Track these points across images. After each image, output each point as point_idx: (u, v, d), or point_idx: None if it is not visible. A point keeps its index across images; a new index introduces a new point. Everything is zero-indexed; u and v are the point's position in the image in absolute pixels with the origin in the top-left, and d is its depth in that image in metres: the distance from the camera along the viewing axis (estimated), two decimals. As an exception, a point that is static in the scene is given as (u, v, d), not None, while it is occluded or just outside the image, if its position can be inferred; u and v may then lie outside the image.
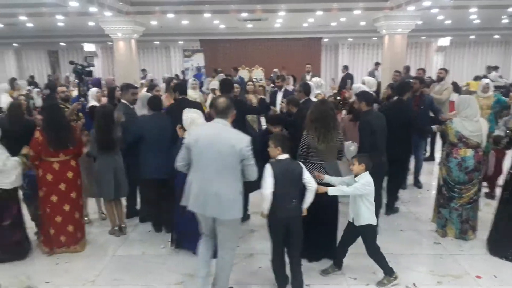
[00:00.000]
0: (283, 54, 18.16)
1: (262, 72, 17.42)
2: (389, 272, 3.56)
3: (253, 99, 7.01)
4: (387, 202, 5.13)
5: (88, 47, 19.24)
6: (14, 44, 19.45)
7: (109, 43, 16.99)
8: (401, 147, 4.82)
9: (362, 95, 4.50)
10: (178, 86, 5.30)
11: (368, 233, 3.54)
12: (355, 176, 3.50)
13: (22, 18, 11.93)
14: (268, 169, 3.18)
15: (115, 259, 4.14)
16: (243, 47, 18.49)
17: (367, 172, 3.47)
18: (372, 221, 3.51)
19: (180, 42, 19.42)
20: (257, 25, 15.88)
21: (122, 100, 5.08)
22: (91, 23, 13.56)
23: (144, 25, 13.00)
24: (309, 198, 3.30)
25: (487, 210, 4.88)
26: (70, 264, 4.03)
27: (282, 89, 6.89)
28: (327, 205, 3.74)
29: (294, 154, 3.77)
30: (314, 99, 5.23)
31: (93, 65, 10.26)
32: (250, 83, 7.96)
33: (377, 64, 13.83)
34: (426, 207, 5.18)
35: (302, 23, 15.89)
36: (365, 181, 3.43)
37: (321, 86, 8.01)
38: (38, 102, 9.94)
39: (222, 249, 3.21)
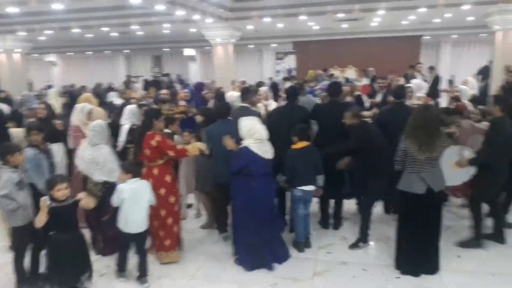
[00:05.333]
0: (378, 53, 17.43)
1: (355, 73, 16.96)
2: None
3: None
4: None
5: (188, 51, 20.54)
6: (125, 51, 21.53)
7: (207, 47, 17.96)
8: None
9: (501, 99, 4.08)
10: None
11: None
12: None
13: (134, 27, 13.15)
14: None
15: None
16: (336, 48, 18.11)
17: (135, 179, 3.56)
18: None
19: (273, 45, 19.78)
20: (352, 25, 15.51)
21: (243, 104, 4.89)
22: (192, 30, 14.45)
23: (241, 29, 13.47)
24: None
25: None
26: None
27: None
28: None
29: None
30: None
31: (166, 75, 11.38)
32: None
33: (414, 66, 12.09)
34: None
35: (401, 21, 15.14)
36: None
37: (423, 89, 7.54)
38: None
39: None
